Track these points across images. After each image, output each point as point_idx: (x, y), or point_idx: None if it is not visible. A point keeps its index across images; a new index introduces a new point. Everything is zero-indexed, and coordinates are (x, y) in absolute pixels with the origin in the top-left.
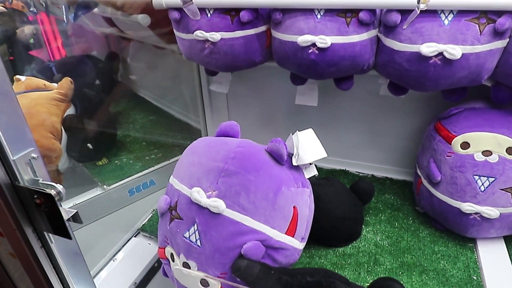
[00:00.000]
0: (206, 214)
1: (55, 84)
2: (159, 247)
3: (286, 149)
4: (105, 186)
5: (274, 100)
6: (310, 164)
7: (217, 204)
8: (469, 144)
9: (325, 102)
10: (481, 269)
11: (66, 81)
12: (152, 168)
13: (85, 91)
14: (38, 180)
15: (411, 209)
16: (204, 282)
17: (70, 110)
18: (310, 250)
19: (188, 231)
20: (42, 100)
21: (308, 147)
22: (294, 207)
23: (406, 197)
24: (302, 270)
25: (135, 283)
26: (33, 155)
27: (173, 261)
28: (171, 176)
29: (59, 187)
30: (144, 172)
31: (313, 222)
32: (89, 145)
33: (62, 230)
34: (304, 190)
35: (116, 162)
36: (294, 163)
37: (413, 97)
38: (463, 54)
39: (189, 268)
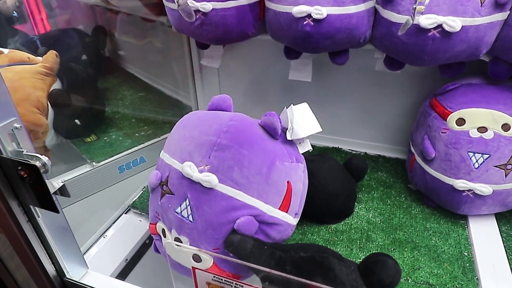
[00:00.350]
0: (198, 189)
1: (40, 58)
2: (150, 223)
3: (280, 123)
4: (94, 163)
5: (267, 76)
6: (304, 139)
7: (209, 179)
8: (464, 120)
9: (319, 78)
10: (472, 245)
11: (51, 54)
12: (142, 145)
13: (71, 65)
14: (22, 151)
15: (404, 187)
16: (196, 257)
17: (56, 85)
18: (302, 227)
19: (180, 206)
20: (26, 73)
21: (302, 121)
22: (288, 182)
23: (398, 174)
24: (295, 245)
25: (126, 259)
26: (16, 125)
27: (165, 236)
28: (162, 151)
29: (44, 158)
30: (134, 149)
31: (306, 198)
32: (76, 121)
33: (48, 204)
34: (298, 165)
35: (105, 138)
36: (288, 138)
37: (408, 73)
38: (462, 26)
39: (181, 243)
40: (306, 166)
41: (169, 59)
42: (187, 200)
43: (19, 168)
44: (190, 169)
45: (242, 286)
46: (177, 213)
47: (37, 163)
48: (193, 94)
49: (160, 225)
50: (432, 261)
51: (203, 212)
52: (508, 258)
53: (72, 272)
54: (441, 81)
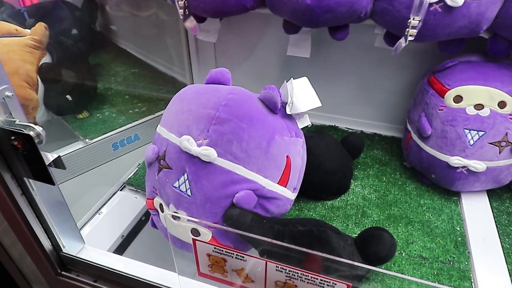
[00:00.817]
0: (196, 163)
1: (28, 30)
2: (147, 198)
3: (280, 97)
4: (87, 140)
5: (265, 52)
6: (304, 114)
7: (208, 153)
8: (462, 97)
9: (317, 55)
10: (464, 220)
11: (40, 27)
12: (136, 122)
13: (62, 39)
14: (15, 121)
15: (399, 164)
16: (195, 232)
17: (46, 59)
18: (299, 203)
19: (178, 180)
20: (14, 46)
21: (302, 96)
22: (287, 156)
23: (394, 152)
24: (294, 220)
25: (123, 236)
26: (7, 93)
27: (162, 211)
28: (159, 125)
29: (38, 128)
30: (128, 126)
31: (305, 175)
32: (68, 96)
33: (43, 176)
34: (298, 140)
35: (97, 115)
36: (288, 112)
37: (407, 50)
38: (465, 1)
39: (179, 218)
40: (305, 141)
41: (164, 34)
42: (186, 174)
43: (12, 138)
44: (189, 143)
45: (243, 257)
46: (175, 187)
47: (31, 133)
48: (188, 71)
49: (157, 200)
50: (426, 236)
51: (201, 186)
52: (498, 233)
53: (69, 247)
54: (439, 59)
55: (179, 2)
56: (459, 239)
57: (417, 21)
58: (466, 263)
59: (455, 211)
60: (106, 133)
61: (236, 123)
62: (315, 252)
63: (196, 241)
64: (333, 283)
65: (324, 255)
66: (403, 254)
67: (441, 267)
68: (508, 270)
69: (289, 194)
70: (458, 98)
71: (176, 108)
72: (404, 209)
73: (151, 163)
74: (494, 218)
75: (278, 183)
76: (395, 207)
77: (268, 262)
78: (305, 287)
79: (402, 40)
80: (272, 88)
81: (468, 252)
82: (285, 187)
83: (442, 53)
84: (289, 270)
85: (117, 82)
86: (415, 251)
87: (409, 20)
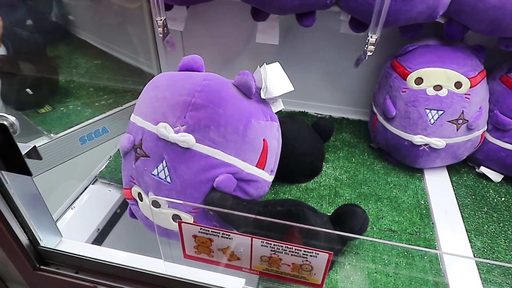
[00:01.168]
0: (175, 150)
1: None
2: (124, 188)
3: (254, 82)
4: (52, 135)
5: (233, 39)
6: (277, 98)
7: (186, 139)
8: (422, 79)
9: (286, 42)
10: (428, 194)
11: None
12: (104, 115)
13: (16, 30)
14: None
15: (366, 146)
16: (176, 218)
17: (1, 52)
18: (274, 187)
19: (157, 168)
20: None
21: (276, 80)
22: (263, 140)
23: (361, 135)
24: (273, 201)
25: (98, 229)
26: None
27: (141, 200)
28: (132, 114)
29: (12, 118)
30: (94, 119)
31: (281, 159)
32: (28, 90)
33: (19, 167)
34: (273, 123)
35: (61, 109)
36: (263, 96)
37: None
38: None
39: (159, 206)
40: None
41: (127, 23)
42: (164, 161)
43: None
44: (166, 130)
45: (229, 235)
46: (154, 175)
47: (5, 123)
48: (155, 61)
49: (135, 189)
50: (394, 211)
51: (181, 172)
52: (458, 204)
53: (46, 240)
54: (400, 44)
55: (158, 21)
56: (424, 211)
57: (375, 39)
58: (431, 233)
59: (419, 187)
60: (71, 127)
61: (213, 109)
62: (296, 225)
63: (182, 223)
64: (315, 253)
65: (304, 226)
66: (374, 229)
67: (409, 238)
68: (468, 237)
69: (267, 176)
70: (419, 80)
71: (150, 96)
72: (373, 187)
73: (127, 152)
74: (454, 191)
75: (256, 166)
76: (365, 186)
77: (253, 238)
78: (289, 259)
79: (361, 56)
80: (246, 74)
81: (432, 223)
82: (263, 169)
83: (403, 38)
84: (274, 245)
85: (79, 74)
86: (385, 225)
87: (368, 38)
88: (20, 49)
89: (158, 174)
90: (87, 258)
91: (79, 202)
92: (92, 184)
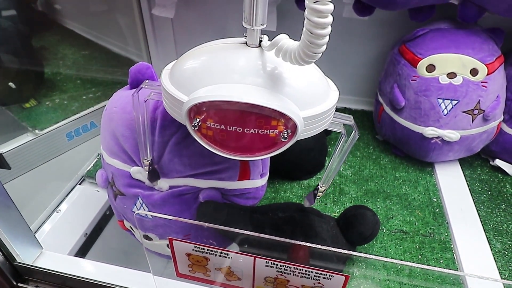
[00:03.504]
0: (147, 189)
1: None
2: (118, 220)
3: None
4: (37, 131)
5: (226, 27)
6: None
7: (161, 186)
8: (434, 66)
9: (283, 27)
10: (440, 191)
11: None
12: (92, 109)
13: None
14: None
15: (371, 138)
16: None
17: None
18: (274, 185)
19: (135, 205)
20: None
21: None
22: None
23: (365, 126)
24: (273, 205)
25: (86, 234)
26: None
27: (135, 232)
28: (101, 145)
29: None
30: (82, 113)
31: (279, 156)
32: (11, 84)
33: None
34: None
35: (47, 103)
36: None
37: (376, 20)
38: None
39: (151, 239)
40: None
41: (115, 11)
42: (140, 199)
43: None
44: (142, 176)
45: (227, 254)
46: (134, 212)
47: None
48: (145, 50)
49: (126, 223)
50: (404, 209)
51: (160, 210)
52: (474, 201)
53: (24, 255)
54: (408, 29)
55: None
56: (437, 210)
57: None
58: (446, 234)
59: (431, 182)
60: (58, 122)
61: (172, 141)
62: (299, 243)
63: (174, 241)
64: (329, 275)
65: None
66: (384, 230)
67: (422, 240)
68: (487, 238)
69: (258, 182)
70: (430, 67)
71: (108, 132)
72: (380, 184)
73: (106, 188)
74: (468, 186)
75: (238, 180)
76: (372, 182)
77: (256, 258)
78: (298, 281)
79: (310, 199)
80: None
81: (447, 223)
82: (249, 179)
83: (410, 22)
84: (280, 265)
85: (66, 66)
86: (396, 225)
87: (318, 188)
88: (2, 40)
89: (139, 212)
90: (69, 276)
91: (65, 204)
92: (79, 184)
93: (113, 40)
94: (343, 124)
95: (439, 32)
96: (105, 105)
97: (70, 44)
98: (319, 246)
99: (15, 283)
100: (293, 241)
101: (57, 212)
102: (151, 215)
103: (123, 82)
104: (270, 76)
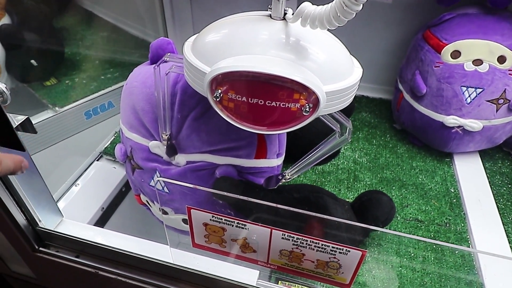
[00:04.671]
0: (165, 163)
1: None
2: (135, 194)
3: None
4: (57, 108)
5: (247, 8)
6: None
7: (178, 161)
8: (460, 52)
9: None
10: (458, 182)
11: None
12: (110, 89)
13: None
14: None
15: (388, 127)
16: (186, 221)
17: (5, 20)
18: (288, 169)
19: (152, 179)
20: None
21: None
22: None
23: (383, 115)
24: (288, 186)
25: (103, 208)
26: None
27: (151, 206)
28: (120, 120)
29: (1, 85)
30: (100, 92)
31: (293, 138)
32: (33, 61)
33: (11, 141)
34: None
35: (66, 82)
36: None
37: (398, 5)
38: None
39: (167, 213)
40: None
41: None
42: (157, 173)
43: None
44: (160, 150)
45: (244, 225)
46: (152, 186)
47: None
48: (163, 33)
49: (143, 197)
50: (420, 198)
51: (176, 184)
52: (493, 193)
53: (46, 221)
54: (433, 14)
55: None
56: (454, 200)
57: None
58: (463, 224)
59: (448, 173)
60: (77, 100)
61: (191, 116)
62: (318, 215)
63: (192, 210)
64: (346, 250)
65: (329, 217)
66: (399, 218)
67: (437, 229)
68: (505, 230)
69: (274, 162)
70: (456, 54)
71: (128, 104)
72: (396, 172)
73: (124, 161)
74: (488, 179)
75: (255, 158)
76: (387, 170)
77: (273, 230)
78: (313, 255)
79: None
80: None
81: (464, 214)
82: (266, 158)
83: (435, 7)
84: (297, 238)
85: (85, 46)
86: (410, 214)
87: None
88: (25, 19)
89: (155, 185)
90: (88, 242)
91: (83, 179)
92: (97, 160)
93: (132, 22)
94: (341, 124)
95: (467, 17)
96: (122, 86)
97: (89, 25)
98: (335, 219)
99: (37, 247)
100: (309, 212)
101: (76, 186)
102: (168, 189)
103: (140, 64)
104: (294, 49)
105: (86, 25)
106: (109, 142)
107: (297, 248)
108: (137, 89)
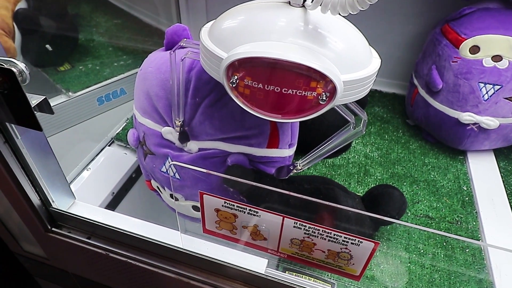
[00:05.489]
0: (177, 150)
1: None
2: (145, 180)
3: None
4: (70, 93)
5: None
6: None
7: (190, 148)
8: (479, 48)
9: None
10: (471, 180)
11: None
12: (122, 75)
13: None
14: None
15: (401, 122)
16: (196, 208)
17: (22, 5)
18: (298, 160)
19: (164, 165)
20: None
21: None
22: None
23: (396, 110)
24: (299, 177)
25: (113, 193)
26: None
27: (161, 192)
28: (133, 105)
29: (21, 64)
30: (113, 79)
31: (304, 130)
32: (47, 46)
33: (28, 120)
34: None
35: (80, 67)
36: None
37: None
38: None
39: (177, 199)
40: None
41: None
42: (169, 159)
43: None
44: (172, 136)
45: (256, 212)
46: (164, 172)
47: (13, 69)
48: (176, 22)
49: (154, 183)
50: (431, 195)
51: (188, 171)
52: (507, 193)
53: (59, 202)
54: (452, 9)
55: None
56: (466, 198)
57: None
58: (474, 223)
59: (461, 171)
60: (90, 86)
61: (204, 103)
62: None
63: (204, 195)
64: (358, 240)
65: (341, 206)
66: (409, 214)
67: (448, 227)
68: None
69: (285, 152)
70: (474, 49)
71: (142, 90)
72: (408, 168)
73: (137, 147)
74: (502, 178)
75: (267, 148)
76: (399, 166)
77: (285, 218)
78: (325, 245)
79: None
80: None
81: (476, 212)
82: (278, 148)
83: (455, 1)
84: (309, 227)
85: (99, 33)
86: (421, 210)
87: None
88: (41, 4)
89: (167, 171)
90: (100, 224)
91: (95, 164)
92: (109, 146)
93: (145, 10)
94: (356, 115)
95: (488, 12)
96: (135, 73)
97: (103, 12)
98: (348, 208)
99: (49, 227)
100: (320, 201)
101: (87, 170)
102: (180, 175)
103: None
104: (312, 36)
105: (100, 12)
106: (121, 128)
107: (308, 237)
108: (151, 75)
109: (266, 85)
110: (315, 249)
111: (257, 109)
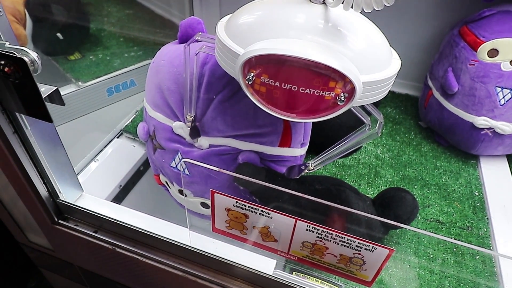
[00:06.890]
0: (187, 145)
1: None
2: (154, 174)
3: None
4: (80, 83)
5: None
6: None
7: (201, 144)
8: (498, 51)
9: None
10: (483, 185)
11: None
12: (132, 67)
13: None
14: (4, 43)
15: (413, 124)
16: (204, 205)
17: None
18: (308, 160)
19: (174, 160)
20: None
21: None
22: None
23: (408, 111)
24: (310, 177)
25: (120, 185)
26: None
27: (170, 187)
28: (144, 98)
29: (33, 54)
30: (123, 70)
31: (316, 129)
32: (58, 34)
33: (39, 111)
34: None
35: (90, 57)
36: None
37: None
38: None
39: (186, 195)
40: None
41: None
42: (179, 154)
43: (2, 62)
44: (183, 131)
45: (268, 214)
46: (173, 167)
47: (25, 58)
48: (189, 14)
49: (162, 177)
50: (442, 199)
51: (198, 167)
52: None
53: (66, 194)
54: (470, 10)
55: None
56: (478, 204)
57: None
58: (485, 229)
59: (473, 175)
60: (99, 76)
61: (217, 98)
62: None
63: (215, 194)
64: (373, 247)
65: (353, 210)
66: (419, 218)
67: (459, 232)
68: None
69: (297, 151)
70: (493, 52)
71: (154, 83)
72: (419, 171)
73: (146, 141)
74: None
75: (278, 146)
76: (410, 168)
77: (298, 221)
78: (337, 249)
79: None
80: None
81: (487, 218)
82: (290, 147)
83: (474, 2)
84: (322, 231)
85: (110, 23)
86: (432, 214)
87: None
88: None
89: (176, 167)
90: (107, 218)
91: (103, 156)
92: (117, 137)
93: (158, 1)
94: (372, 117)
95: (508, 15)
96: (145, 65)
97: (115, 2)
98: (360, 212)
99: (56, 219)
100: (331, 204)
101: (95, 161)
102: (189, 171)
103: (165, 44)
104: (332, 35)
105: (112, 1)
106: (130, 120)
107: (320, 241)
108: (164, 68)
109: (283, 83)
110: (327, 253)
111: (272, 107)
